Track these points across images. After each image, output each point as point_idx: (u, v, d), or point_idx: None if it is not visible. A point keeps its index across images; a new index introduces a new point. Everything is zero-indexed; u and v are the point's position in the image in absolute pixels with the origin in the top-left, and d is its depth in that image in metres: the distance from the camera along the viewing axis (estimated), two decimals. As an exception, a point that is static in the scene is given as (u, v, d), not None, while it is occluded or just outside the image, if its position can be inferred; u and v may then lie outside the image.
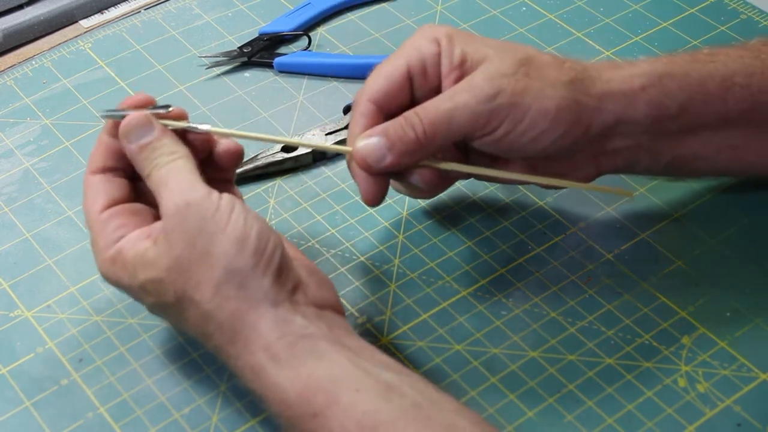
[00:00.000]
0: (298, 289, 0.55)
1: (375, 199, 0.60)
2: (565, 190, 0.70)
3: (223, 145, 0.60)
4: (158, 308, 0.57)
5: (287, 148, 0.73)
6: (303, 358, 0.52)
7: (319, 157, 0.73)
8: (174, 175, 0.55)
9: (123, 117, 0.58)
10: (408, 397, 0.51)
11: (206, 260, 0.53)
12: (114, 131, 0.59)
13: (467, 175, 0.64)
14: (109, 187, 0.58)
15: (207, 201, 0.54)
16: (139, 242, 0.55)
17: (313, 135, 0.74)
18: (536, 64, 0.60)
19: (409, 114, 0.59)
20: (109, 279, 0.57)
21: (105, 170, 0.59)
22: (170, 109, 0.58)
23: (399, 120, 0.59)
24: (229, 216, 0.54)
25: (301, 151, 0.72)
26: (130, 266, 0.55)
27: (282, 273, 0.54)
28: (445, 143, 0.60)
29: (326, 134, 0.74)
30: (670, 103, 0.60)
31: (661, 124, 0.61)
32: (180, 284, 0.54)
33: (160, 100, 0.78)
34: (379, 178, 0.60)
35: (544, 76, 0.59)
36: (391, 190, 0.68)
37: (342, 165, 0.73)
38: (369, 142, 0.59)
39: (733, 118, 0.61)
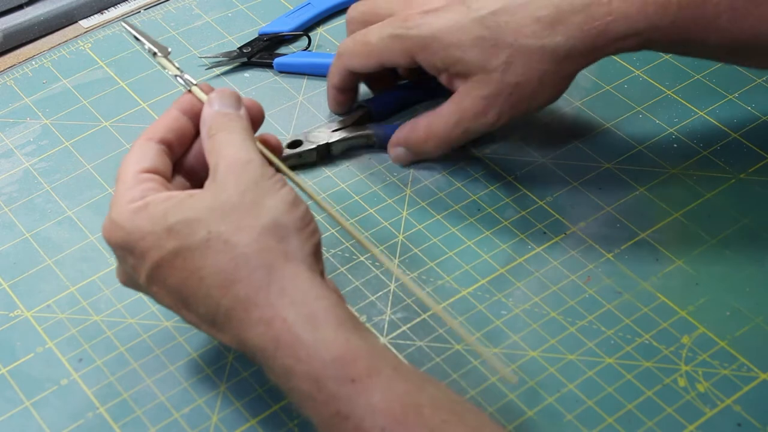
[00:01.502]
0: (324, 275, 0.56)
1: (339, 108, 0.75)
2: (563, 190, 0.70)
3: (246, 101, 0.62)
4: (171, 256, 0.54)
5: (292, 144, 0.73)
6: (340, 323, 0.52)
7: (324, 154, 0.73)
8: (242, 140, 0.57)
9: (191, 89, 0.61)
10: (441, 390, 0.52)
11: (254, 209, 0.54)
12: (186, 108, 0.60)
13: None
14: (158, 157, 0.58)
15: (266, 167, 0.56)
16: (171, 196, 0.55)
17: (320, 133, 0.73)
18: (519, 58, 0.64)
19: (424, 134, 0.70)
20: (122, 229, 0.55)
21: (162, 142, 0.59)
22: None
23: (420, 134, 0.70)
24: (283, 186, 0.55)
25: (305, 147, 0.72)
26: (159, 212, 0.54)
27: (318, 254, 0.55)
28: None
29: (332, 131, 0.74)
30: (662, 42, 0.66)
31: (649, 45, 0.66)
32: (218, 224, 0.53)
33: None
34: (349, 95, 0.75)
35: (529, 70, 0.64)
36: (387, 194, 0.68)
37: (342, 165, 0.73)
38: (399, 154, 0.72)
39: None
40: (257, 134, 0.60)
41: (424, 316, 0.64)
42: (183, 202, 0.54)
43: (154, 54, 0.64)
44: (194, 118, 0.60)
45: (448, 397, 0.52)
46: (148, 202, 0.55)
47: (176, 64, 0.63)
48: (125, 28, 0.66)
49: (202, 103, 0.60)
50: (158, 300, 0.56)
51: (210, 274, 0.53)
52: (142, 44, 0.64)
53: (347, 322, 0.52)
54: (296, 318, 0.51)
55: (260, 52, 0.82)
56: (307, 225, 0.55)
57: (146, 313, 0.64)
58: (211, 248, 0.53)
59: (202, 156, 0.59)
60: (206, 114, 0.59)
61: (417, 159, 0.72)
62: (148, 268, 0.54)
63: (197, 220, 0.53)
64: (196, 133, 0.60)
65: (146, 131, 0.59)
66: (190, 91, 0.61)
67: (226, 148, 0.56)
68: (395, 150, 0.72)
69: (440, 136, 0.69)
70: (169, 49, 0.64)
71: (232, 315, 0.53)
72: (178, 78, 0.62)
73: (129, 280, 0.58)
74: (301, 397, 0.52)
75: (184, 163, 0.60)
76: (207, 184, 0.56)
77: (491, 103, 0.66)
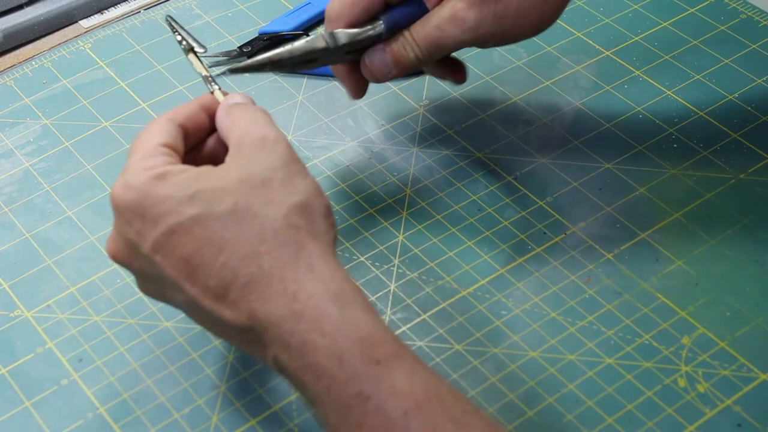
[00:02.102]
0: None
1: (361, 93, 0.70)
2: (563, 190, 0.70)
3: None
4: (190, 223, 0.52)
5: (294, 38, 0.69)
6: (366, 306, 0.52)
7: (332, 43, 0.66)
8: (265, 119, 0.57)
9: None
10: (452, 387, 0.51)
11: (286, 186, 0.54)
12: (206, 105, 0.60)
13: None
14: (178, 138, 0.58)
15: (294, 150, 0.56)
16: (191, 168, 0.55)
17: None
18: None
19: (408, 37, 0.66)
20: (137, 191, 0.53)
21: (181, 127, 0.58)
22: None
23: (401, 41, 0.66)
24: (308, 174, 0.55)
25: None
26: (181, 180, 0.53)
27: (336, 245, 0.55)
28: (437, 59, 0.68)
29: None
30: None
31: None
32: (246, 196, 0.53)
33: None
34: (363, 81, 0.69)
35: None
36: (387, 194, 0.68)
37: (341, 165, 0.73)
38: (376, 58, 0.67)
39: None
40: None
41: (424, 316, 0.64)
42: (208, 173, 0.54)
43: (190, 49, 0.64)
44: (212, 116, 0.59)
45: (461, 393, 0.52)
46: (168, 170, 0.54)
47: (206, 65, 0.64)
48: (168, 21, 0.66)
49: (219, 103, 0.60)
50: (157, 271, 0.54)
51: (232, 244, 0.52)
52: (181, 39, 0.64)
53: (371, 307, 0.52)
54: (324, 294, 0.51)
55: (260, 52, 0.82)
56: (331, 215, 0.55)
57: (146, 314, 0.65)
58: (237, 218, 0.52)
59: (208, 156, 0.59)
60: (223, 104, 0.59)
61: (397, 66, 0.67)
62: (158, 234, 0.53)
63: (224, 190, 0.53)
64: (210, 133, 0.60)
65: (167, 113, 0.58)
66: (212, 93, 0.61)
67: (250, 125, 0.56)
68: (372, 57, 0.67)
69: (418, 37, 0.65)
70: (206, 48, 0.64)
71: (251, 287, 0.52)
72: (205, 78, 0.62)
73: (124, 249, 0.55)
74: (318, 376, 0.50)
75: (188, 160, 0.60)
76: (230, 158, 0.55)
77: (471, 6, 0.63)
